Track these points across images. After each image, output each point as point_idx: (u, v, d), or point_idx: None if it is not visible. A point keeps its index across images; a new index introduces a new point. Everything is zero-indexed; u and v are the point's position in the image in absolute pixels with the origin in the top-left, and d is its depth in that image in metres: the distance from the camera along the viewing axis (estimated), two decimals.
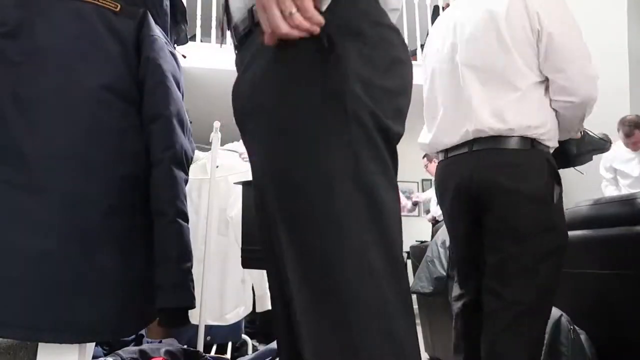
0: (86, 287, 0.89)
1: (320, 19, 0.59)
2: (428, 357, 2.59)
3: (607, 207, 1.48)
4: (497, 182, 1.29)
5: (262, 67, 0.66)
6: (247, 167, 2.73)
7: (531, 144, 1.30)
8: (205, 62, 3.78)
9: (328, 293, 0.59)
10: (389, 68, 0.67)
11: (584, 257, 1.48)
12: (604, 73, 3.80)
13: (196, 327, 2.14)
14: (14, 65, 0.92)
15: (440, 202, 1.52)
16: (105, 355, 1.51)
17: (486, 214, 1.33)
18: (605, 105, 3.84)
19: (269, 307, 2.53)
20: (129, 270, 0.95)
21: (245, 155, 2.45)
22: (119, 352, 1.40)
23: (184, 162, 1.03)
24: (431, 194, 4.54)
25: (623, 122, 3.30)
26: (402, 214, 1.10)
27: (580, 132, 1.50)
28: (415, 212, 5.61)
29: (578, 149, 1.52)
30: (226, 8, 0.78)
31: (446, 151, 1.45)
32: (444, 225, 2.03)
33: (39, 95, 0.92)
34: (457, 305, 1.46)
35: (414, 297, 2.87)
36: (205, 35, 4.07)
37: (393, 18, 0.74)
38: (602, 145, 1.55)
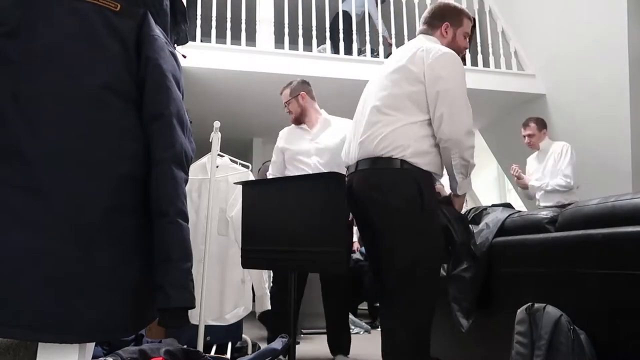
0: (86, 287, 0.89)
1: None
2: None
3: (607, 207, 1.48)
4: None
5: None
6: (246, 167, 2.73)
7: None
8: (205, 62, 3.78)
9: None
10: None
11: (584, 257, 1.49)
12: (604, 72, 3.83)
13: (196, 327, 2.14)
14: (13, 64, 0.92)
15: None
16: (105, 355, 1.51)
17: None
18: (605, 105, 3.85)
19: (269, 307, 2.54)
20: (129, 270, 0.95)
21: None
22: (119, 352, 1.40)
23: (184, 162, 1.03)
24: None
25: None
26: None
27: None
28: None
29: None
30: None
31: None
32: None
33: (38, 94, 0.92)
34: None
35: None
36: (205, 35, 4.07)
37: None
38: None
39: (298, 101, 2.75)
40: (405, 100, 1.65)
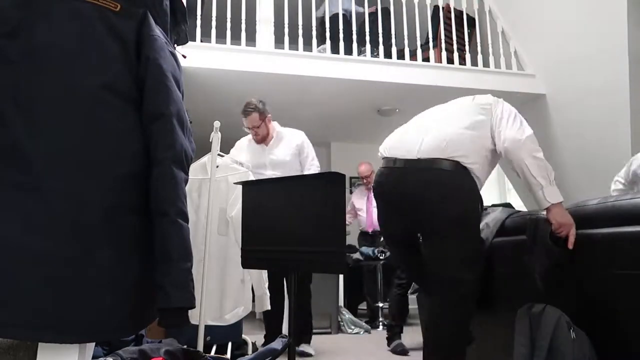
0: (86, 287, 0.89)
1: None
2: None
3: (607, 207, 1.48)
4: None
5: None
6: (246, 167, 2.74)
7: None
8: (205, 62, 3.78)
9: None
10: None
11: (584, 257, 1.49)
12: (604, 73, 3.83)
13: (196, 327, 2.14)
14: (14, 64, 0.92)
15: None
16: (105, 355, 1.51)
17: None
18: (605, 105, 3.85)
19: (268, 307, 2.54)
20: (129, 270, 0.95)
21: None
22: (119, 352, 1.40)
23: (184, 162, 1.03)
24: None
25: None
26: None
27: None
28: None
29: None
30: None
31: None
32: None
33: (38, 95, 0.92)
34: None
35: (414, 296, 2.87)
36: (205, 35, 4.06)
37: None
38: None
39: (266, 124, 2.93)
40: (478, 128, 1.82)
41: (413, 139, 1.87)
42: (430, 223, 1.79)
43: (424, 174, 1.79)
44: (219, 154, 2.40)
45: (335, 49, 4.28)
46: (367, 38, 4.49)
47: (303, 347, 2.91)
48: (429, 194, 1.77)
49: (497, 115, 1.81)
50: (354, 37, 4.30)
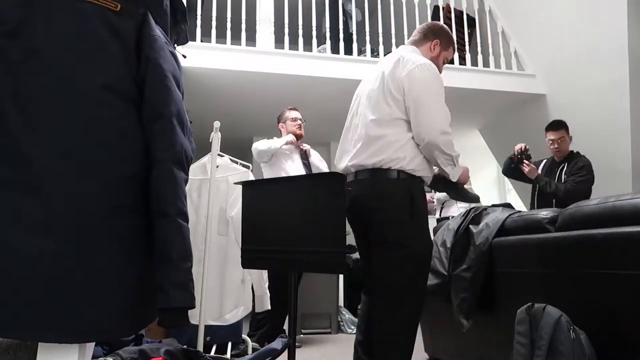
0: (86, 287, 0.89)
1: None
2: (428, 357, 2.59)
3: (607, 207, 1.48)
4: None
5: None
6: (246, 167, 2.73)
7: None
8: (205, 62, 3.78)
9: None
10: None
11: (584, 257, 1.49)
12: (604, 73, 3.83)
13: (196, 327, 2.14)
14: (14, 64, 0.92)
15: None
16: (105, 355, 1.51)
17: None
18: (605, 105, 3.85)
19: (268, 307, 2.54)
20: (129, 270, 0.95)
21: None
22: (119, 352, 1.40)
23: (184, 162, 1.03)
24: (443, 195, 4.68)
25: None
26: None
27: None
28: None
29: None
30: None
31: None
32: (444, 225, 2.16)
33: (39, 94, 0.92)
34: None
35: None
36: (205, 35, 4.06)
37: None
38: (473, 199, 1.96)
39: None
40: (396, 111, 1.75)
41: (346, 152, 2.05)
42: (373, 228, 1.95)
43: (363, 185, 1.96)
44: (219, 154, 2.40)
45: (335, 49, 4.28)
46: (367, 38, 4.49)
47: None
48: (369, 203, 1.94)
49: (409, 100, 1.84)
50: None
